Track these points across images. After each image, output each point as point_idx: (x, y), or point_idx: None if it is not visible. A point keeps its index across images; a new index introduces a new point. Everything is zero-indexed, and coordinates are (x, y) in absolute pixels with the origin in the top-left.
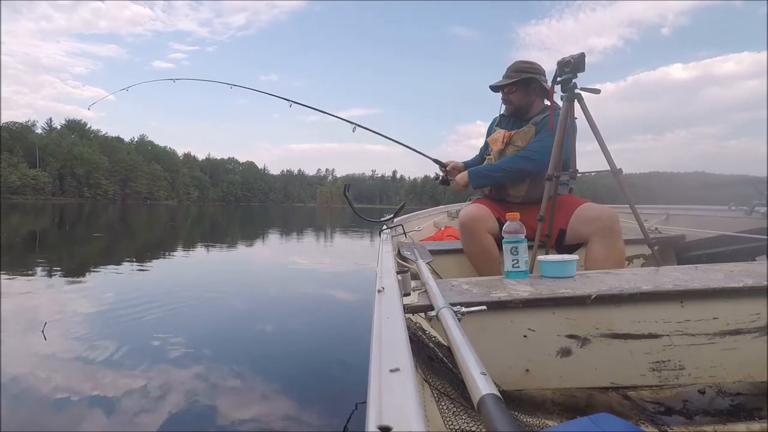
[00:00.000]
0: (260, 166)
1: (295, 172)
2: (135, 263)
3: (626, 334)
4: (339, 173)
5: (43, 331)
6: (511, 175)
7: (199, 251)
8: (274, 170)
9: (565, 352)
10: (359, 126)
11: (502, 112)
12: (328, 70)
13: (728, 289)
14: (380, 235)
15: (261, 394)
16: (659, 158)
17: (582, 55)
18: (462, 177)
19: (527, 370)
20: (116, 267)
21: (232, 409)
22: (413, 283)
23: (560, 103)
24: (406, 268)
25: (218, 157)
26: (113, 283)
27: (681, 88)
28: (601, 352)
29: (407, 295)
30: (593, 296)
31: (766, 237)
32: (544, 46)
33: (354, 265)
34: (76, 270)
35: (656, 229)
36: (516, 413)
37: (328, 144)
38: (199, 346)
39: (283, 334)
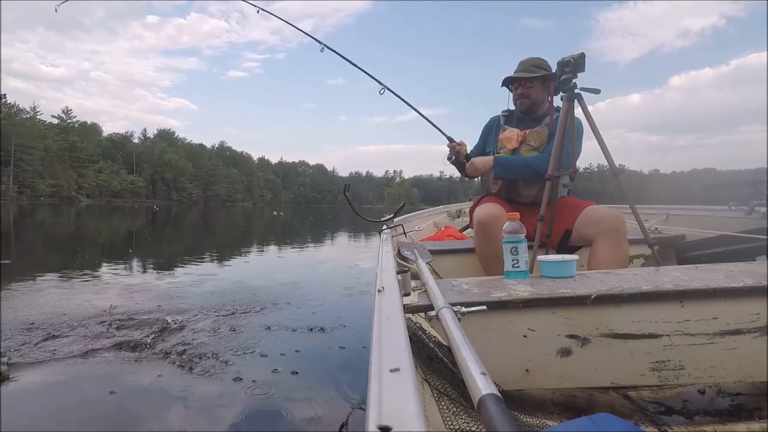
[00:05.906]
0: (329, 168)
1: (363, 173)
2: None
3: (626, 334)
4: (407, 174)
5: (109, 311)
6: (537, 176)
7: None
8: (343, 172)
9: (565, 352)
10: (387, 88)
11: (511, 108)
12: (394, 70)
13: (728, 289)
14: (380, 235)
15: (260, 392)
16: None
17: (582, 55)
18: (485, 162)
19: (527, 370)
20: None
21: (230, 408)
22: (413, 283)
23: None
24: (406, 268)
25: (290, 161)
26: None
27: None
28: (601, 352)
29: (407, 295)
30: (593, 296)
31: (766, 237)
32: (628, 32)
33: (370, 265)
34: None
35: (656, 229)
36: (516, 413)
37: (394, 145)
38: (196, 341)
39: (282, 333)
